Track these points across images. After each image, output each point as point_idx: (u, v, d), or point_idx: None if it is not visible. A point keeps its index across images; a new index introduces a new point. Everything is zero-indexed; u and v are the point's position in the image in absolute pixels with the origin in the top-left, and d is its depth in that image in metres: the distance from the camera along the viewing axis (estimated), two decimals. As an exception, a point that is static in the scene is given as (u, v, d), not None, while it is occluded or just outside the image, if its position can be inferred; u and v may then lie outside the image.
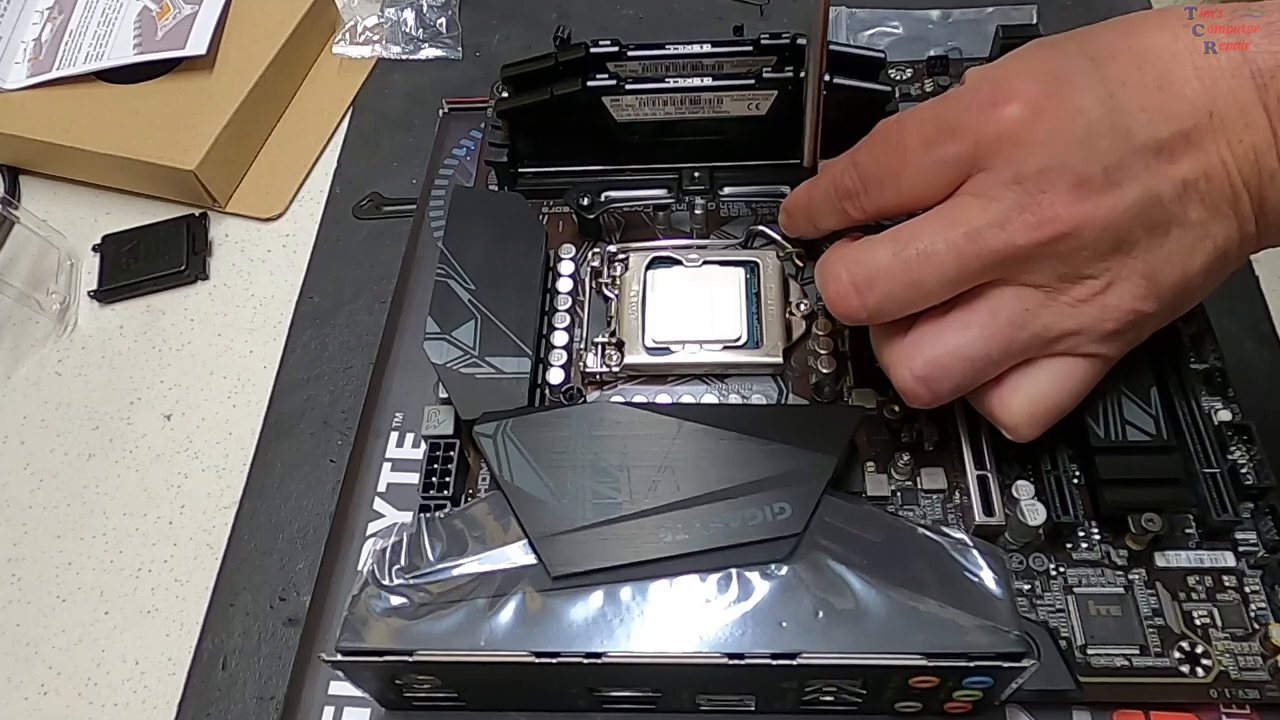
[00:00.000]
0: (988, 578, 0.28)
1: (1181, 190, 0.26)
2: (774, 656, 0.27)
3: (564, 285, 0.38)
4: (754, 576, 0.28)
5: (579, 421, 0.32)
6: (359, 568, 0.34)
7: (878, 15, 0.49)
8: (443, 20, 0.52)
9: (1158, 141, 0.26)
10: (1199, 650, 0.29)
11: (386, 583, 0.29)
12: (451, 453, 0.33)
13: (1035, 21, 0.47)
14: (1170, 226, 0.27)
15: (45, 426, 0.42)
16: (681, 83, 0.37)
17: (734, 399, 0.35)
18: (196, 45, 0.48)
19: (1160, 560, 0.31)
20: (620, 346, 0.36)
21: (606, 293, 0.38)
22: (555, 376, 0.36)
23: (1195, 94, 0.26)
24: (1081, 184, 0.26)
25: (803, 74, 0.34)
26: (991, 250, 0.27)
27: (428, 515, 0.31)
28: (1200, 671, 0.29)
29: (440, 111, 0.46)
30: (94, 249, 0.47)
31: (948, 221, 0.28)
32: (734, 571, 0.28)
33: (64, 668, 0.36)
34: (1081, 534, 0.32)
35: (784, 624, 0.27)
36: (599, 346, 0.36)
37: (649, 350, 0.36)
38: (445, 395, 0.34)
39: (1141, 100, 0.26)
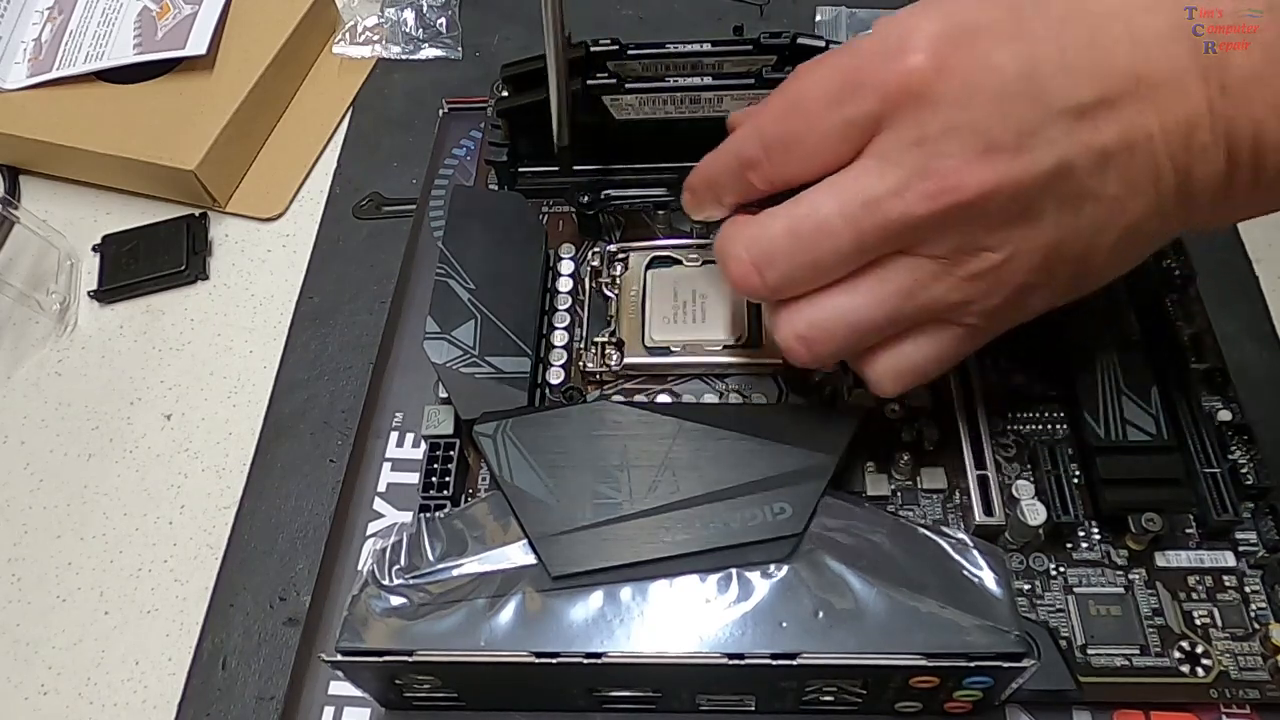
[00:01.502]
0: (988, 578, 0.28)
1: (1100, 161, 0.24)
2: (774, 656, 0.27)
3: (564, 285, 0.38)
4: (754, 576, 0.28)
5: (579, 421, 0.32)
6: (359, 568, 0.34)
7: (877, 15, 0.49)
8: (443, 20, 0.52)
9: (1079, 106, 0.24)
10: (1199, 650, 0.29)
11: (386, 583, 0.29)
12: (451, 453, 0.33)
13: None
14: (1083, 200, 0.24)
15: (45, 426, 0.42)
16: (681, 82, 0.37)
17: (734, 399, 0.35)
18: (196, 45, 0.48)
19: (1160, 560, 0.31)
20: (620, 346, 0.36)
21: (606, 292, 0.38)
22: (555, 376, 0.36)
23: (1126, 56, 0.23)
24: (990, 149, 0.24)
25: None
26: (890, 221, 0.25)
27: (428, 515, 0.31)
28: (1200, 671, 0.29)
29: (440, 111, 0.46)
30: (94, 249, 0.47)
31: (844, 191, 0.25)
32: (734, 571, 0.28)
33: (64, 668, 0.36)
34: (1081, 534, 0.32)
35: (784, 624, 0.27)
36: (599, 346, 0.36)
37: (649, 350, 0.36)
38: (445, 395, 0.34)
39: (1064, 58, 0.24)
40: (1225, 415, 0.33)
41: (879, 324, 0.27)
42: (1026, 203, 0.24)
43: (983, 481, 0.32)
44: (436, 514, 0.31)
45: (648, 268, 0.37)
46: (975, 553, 0.28)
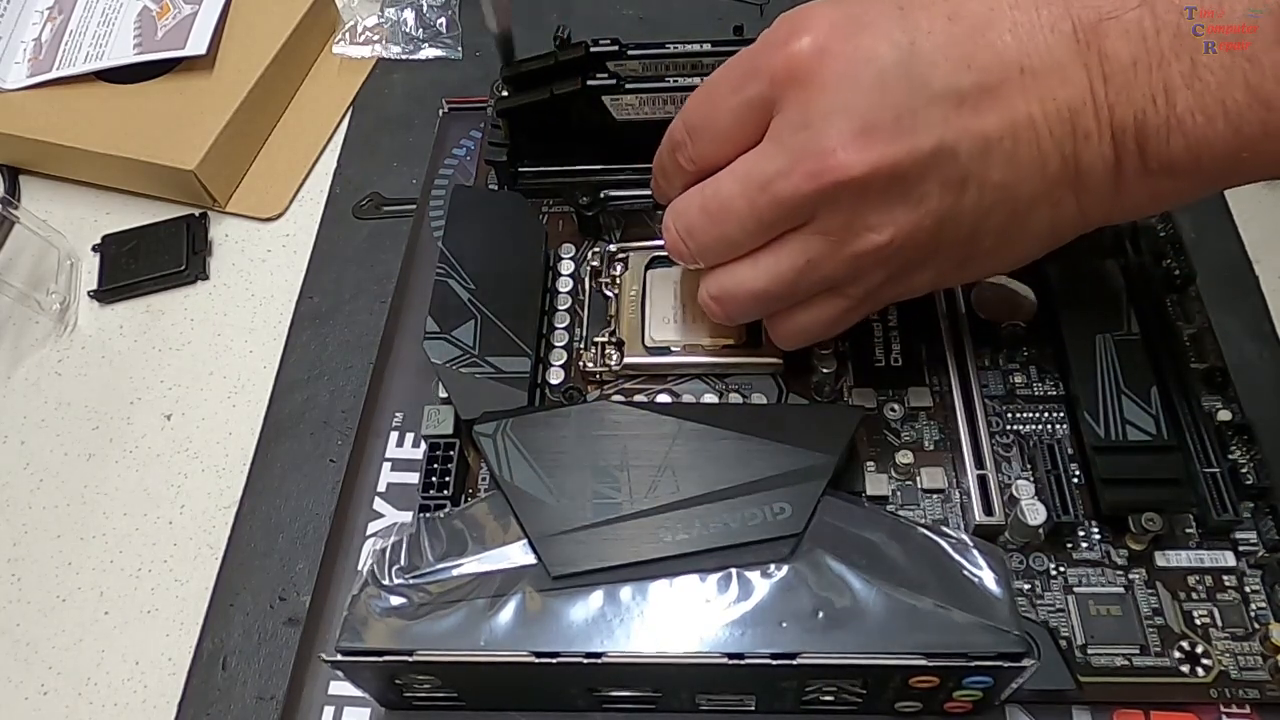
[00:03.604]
0: (988, 578, 0.28)
1: (983, 146, 0.25)
2: (774, 656, 0.27)
3: (564, 285, 0.38)
4: (754, 576, 0.28)
5: (579, 421, 0.32)
6: (359, 568, 0.34)
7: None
8: (443, 20, 0.52)
9: (958, 92, 0.25)
10: (1199, 650, 0.29)
11: (386, 583, 0.29)
12: (451, 452, 0.33)
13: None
14: (967, 184, 0.26)
15: (45, 426, 0.42)
16: (681, 82, 0.37)
17: (734, 399, 0.35)
18: (196, 45, 0.48)
19: (1160, 560, 0.31)
20: (620, 346, 0.36)
21: (606, 292, 0.38)
22: (555, 376, 0.36)
23: (1007, 48, 0.25)
24: (868, 130, 0.25)
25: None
26: (781, 199, 0.27)
27: (428, 515, 0.31)
28: (1200, 671, 0.29)
29: (440, 111, 0.46)
30: (94, 249, 0.47)
31: (744, 172, 0.28)
32: (734, 571, 0.28)
33: (64, 668, 0.36)
34: (1081, 534, 0.32)
35: (784, 624, 0.27)
36: (599, 346, 0.36)
37: (649, 350, 0.36)
38: (445, 395, 0.34)
39: (946, 49, 0.25)
40: (1225, 415, 0.33)
41: (777, 294, 0.29)
42: (908, 184, 0.26)
43: (983, 481, 0.32)
44: (436, 514, 0.31)
45: (648, 268, 0.37)
46: (975, 553, 0.28)
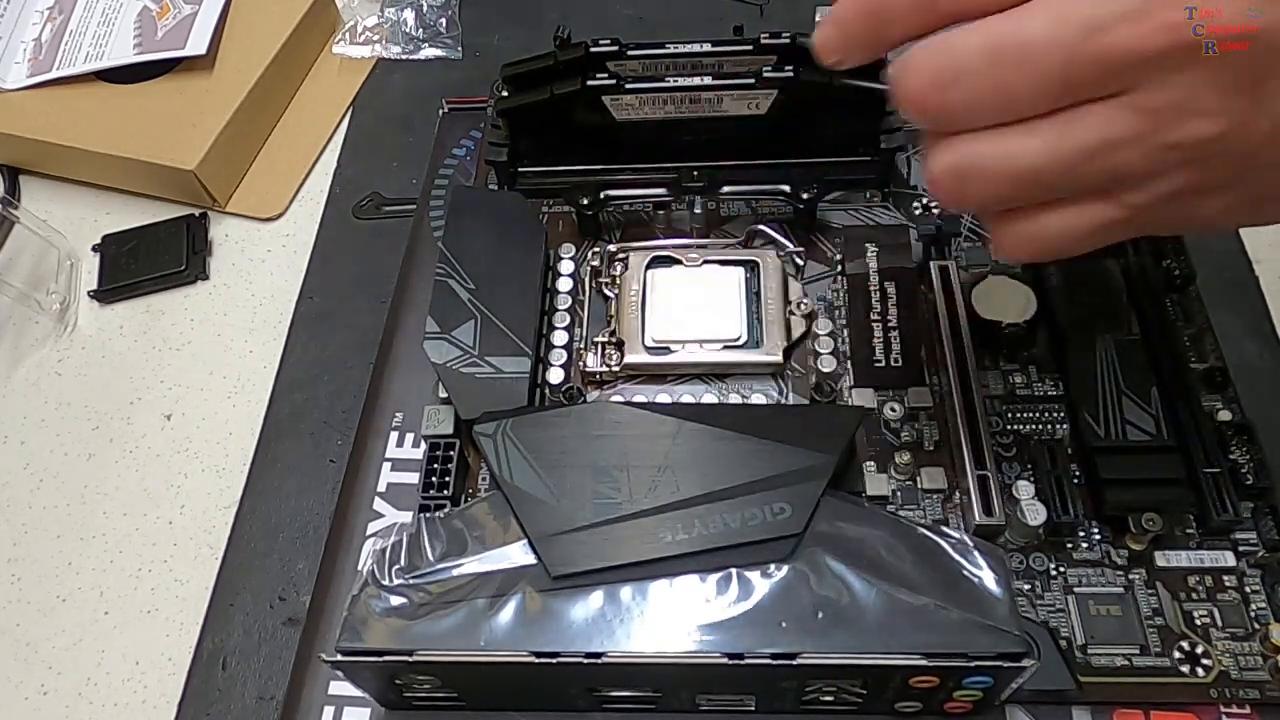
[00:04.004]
0: (988, 578, 0.28)
1: None
2: (774, 656, 0.27)
3: (564, 285, 0.38)
4: (754, 576, 0.28)
5: (579, 421, 0.32)
6: (359, 568, 0.34)
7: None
8: (443, 20, 0.52)
9: None
10: (1199, 650, 0.29)
11: (386, 583, 0.29)
12: (451, 452, 0.34)
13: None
14: None
15: (45, 426, 0.42)
16: (681, 82, 0.37)
17: (734, 399, 0.35)
18: (196, 45, 0.48)
19: (1160, 560, 0.31)
20: (620, 346, 0.36)
21: (606, 292, 0.38)
22: (555, 376, 0.36)
23: None
24: None
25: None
26: (1113, 52, 0.21)
27: (428, 515, 0.31)
28: (1200, 671, 0.29)
29: (440, 111, 0.46)
30: (94, 249, 0.47)
31: (1065, 12, 0.21)
32: (734, 571, 0.28)
33: (64, 668, 0.36)
34: (1081, 534, 0.32)
35: (784, 624, 0.27)
36: (599, 346, 0.36)
37: (649, 350, 0.36)
38: (445, 395, 0.34)
39: None
40: (1225, 415, 0.33)
41: (1046, 180, 0.23)
42: (1267, 72, 0.21)
43: (983, 481, 0.32)
44: (436, 514, 0.31)
45: (648, 268, 0.37)
46: (975, 553, 0.28)
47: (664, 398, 0.35)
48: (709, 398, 0.35)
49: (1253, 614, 0.30)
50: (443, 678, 0.29)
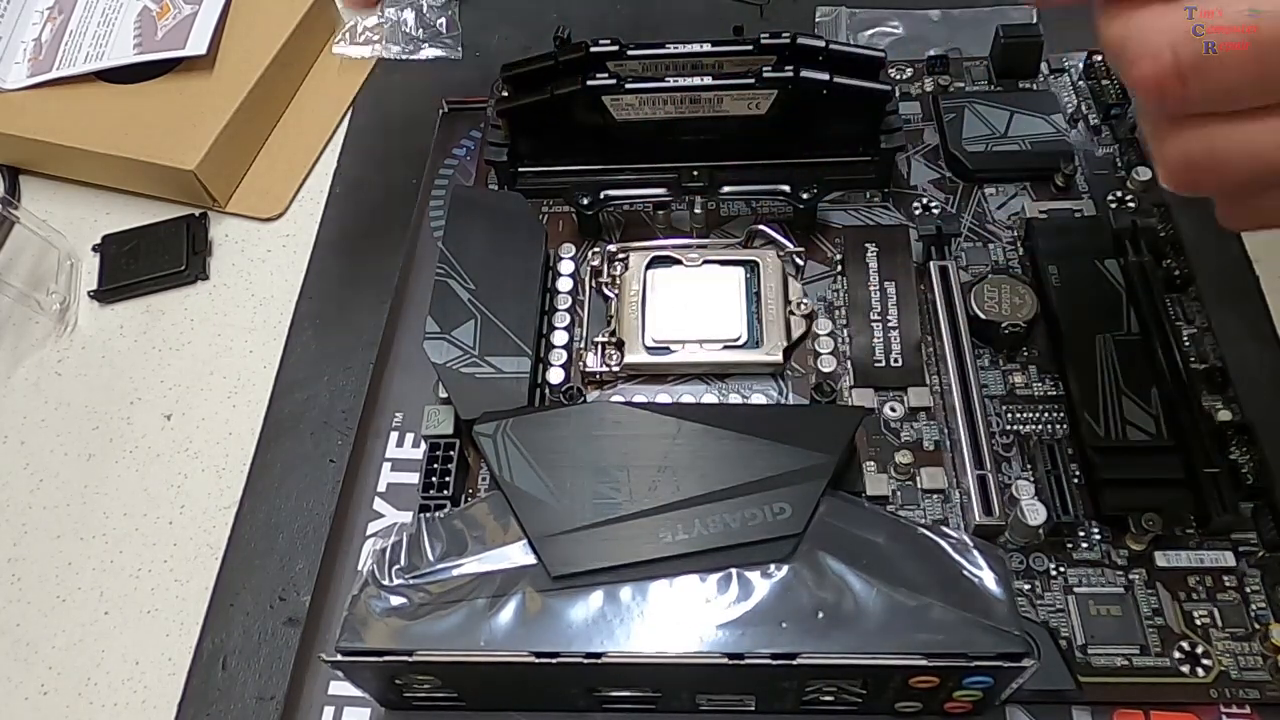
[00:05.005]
0: (988, 578, 0.28)
1: None
2: (774, 656, 0.27)
3: (564, 285, 0.38)
4: (754, 576, 0.28)
5: (579, 421, 0.32)
6: (359, 568, 0.34)
7: (877, 15, 0.49)
8: (443, 20, 0.52)
9: None
10: (1199, 650, 0.29)
11: (386, 583, 0.29)
12: (451, 453, 0.34)
13: (1035, 21, 0.47)
14: None
15: (45, 426, 0.42)
16: (681, 82, 0.37)
17: (734, 399, 0.35)
18: (196, 45, 0.48)
19: (1160, 560, 0.31)
20: (620, 346, 0.36)
21: (606, 292, 0.38)
22: (555, 376, 0.36)
23: None
24: None
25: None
26: None
27: (428, 515, 0.31)
28: (1200, 671, 0.29)
29: (440, 111, 0.46)
30: (94, 249, 0.47)
31: None
32: (734, 571, 0.28)
33: (64, 668, 0.36)
34: (1081, 534, 0.32)
35: (784, 624, 0.27)
36: (599, 346, 0.36)
37: (649, 350, 0.36)
38: (445, 395, 0.34)
39: None
40: (1225, 415, 0.33)
41: None
42: None
43: (983, 481, 0.32)
44: (436, 514, 0.31)
45: (648, 268, 0.37)
46: (975, 553, 0.28)
47: (664, 398, 0.35)
48: (709, 398, 0.35)
49: (1253, 614, 0.30)
50: (443, 678, 0.29)
